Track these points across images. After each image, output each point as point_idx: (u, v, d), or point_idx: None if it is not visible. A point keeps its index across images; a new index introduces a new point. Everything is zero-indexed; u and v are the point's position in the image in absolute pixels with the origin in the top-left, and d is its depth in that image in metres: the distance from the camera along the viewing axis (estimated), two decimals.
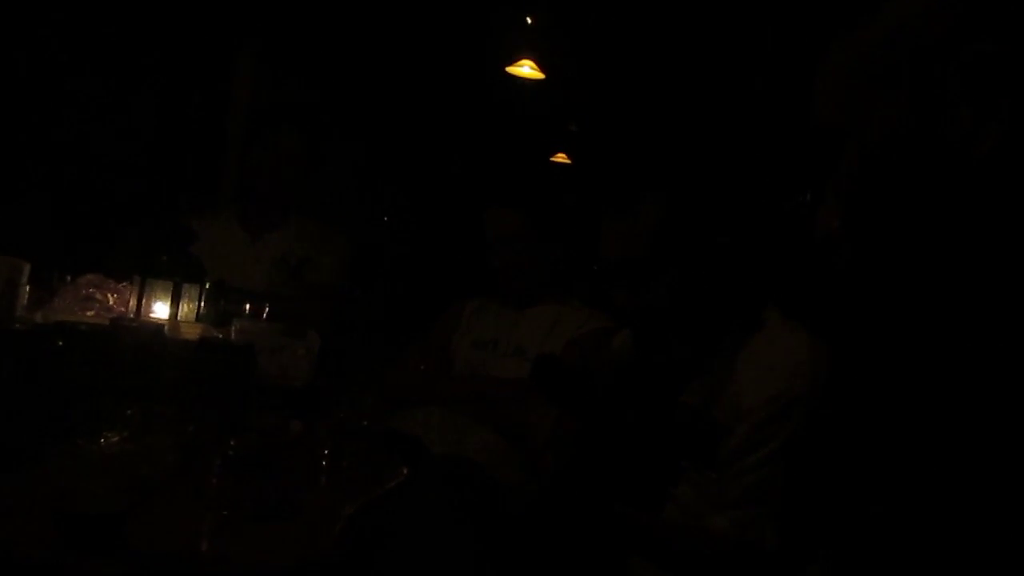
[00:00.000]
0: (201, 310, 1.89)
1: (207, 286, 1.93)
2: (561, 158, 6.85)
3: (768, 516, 1.38)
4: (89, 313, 1.78)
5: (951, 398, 1.03)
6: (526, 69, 4.53)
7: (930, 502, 1.08)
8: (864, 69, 0.97)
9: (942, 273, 1.00)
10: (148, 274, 1.84)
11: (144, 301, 1.83)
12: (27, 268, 1.73)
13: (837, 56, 1.02)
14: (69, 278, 1.83)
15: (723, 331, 1.49)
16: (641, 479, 1.51)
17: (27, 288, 1.73)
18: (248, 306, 1.98)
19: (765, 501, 1.38)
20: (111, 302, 1.83)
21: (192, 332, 1.71)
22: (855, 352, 1.20)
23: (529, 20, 4.36)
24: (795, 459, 1.38)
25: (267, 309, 2.00)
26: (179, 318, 1.83)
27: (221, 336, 1.76)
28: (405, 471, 1.48)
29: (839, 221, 1.06)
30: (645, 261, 1.46)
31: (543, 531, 1.53)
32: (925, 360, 1.07)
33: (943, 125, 0.91)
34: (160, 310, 1.83)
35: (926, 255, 1.00)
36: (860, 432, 1.20)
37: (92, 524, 0.94)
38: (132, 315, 1.79)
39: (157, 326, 1.67)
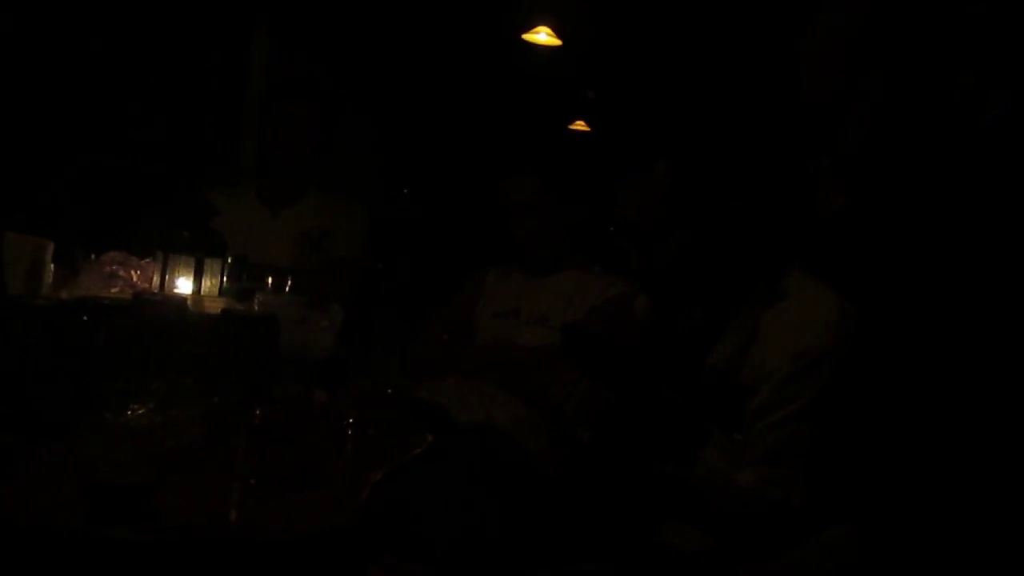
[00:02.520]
0: (223, 285, 1.90)
1: (229, 261, 1.94)
2: (580, 125, 6.80)
3: (794, 474, 1.37)
4: (113, 290, 1.79)
5: (974, 367, 1.02)
6: (543, 36, 4.49)
7: (955, 469, 1.07)
8: (855, 40, 0.95)
9: (955, 240, 0.98)
10: (170, 250, 1.85)
11: (167, 277, 1.84)
12: (51, 247, 1.74)
13: (824, 29, 0.99)
14: (93, 256, 1.84)
15: (743, 292, 1.48)
16: (670, 443, 1.50)
17: (52, 267, 1.75)
18: (270, 280, 1.99)
19: (791, 458, 1.38)
20: (135, 279, 1.84)
21: (215, 306, 1.71)
22: (879, 315, 1.19)
23: None
24: (823, 417, 1.37)
25: (289, 283, 2.00)
26: (202, 293, 1.84)
27: (243, 309, 1.77)
28: (430, 439, 1.49)
29: (845, 198, 1.04)
30: (657, 223, 1.46)
31: (574, 495, 1.54)
32: (948, 329, 1.05)
33: (945, 89, 0.88)
34: (183, 285, 1.84)
35: (937, 222, 0.98)
36: (886, 395, 1.19)
37: (120, 494, 0.95)
38: (155, 291, 1.80)
39: (181, 300, 1.68)
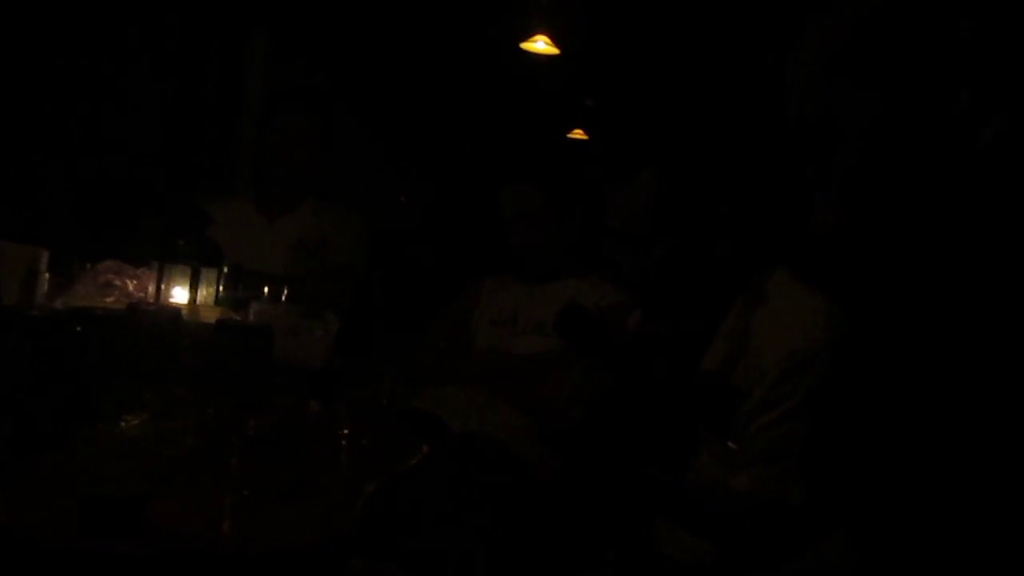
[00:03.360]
0: (219, 294, 1.90)
1: (225, 270, 1.94)
2: (578, 134, 6.81)
3: (790, 473, 1.37)
4: (109, 299, 1.79)
5: (968, 368, 1.01)
6: (540, 45, 4.49)
7: (950, 466, 1.07)
8: (842, 57, 0.94)
9: (951, 251, 0.98)
10: (166, 259, 1.85)
11: (163, 286, 1.83)
12: (46, 256, 1.74)
13: (809, 46, 0.98)
14: (88, 265, 1.84)
15: (730, 297, 1.48)
16: (662, 447, 1.50)
17: (47, 276, 1.74)
18: (266, 289, 1.98)
19: (786, 458, 1.37)
20: (130, 288, 1.84)
21: (210, 316, 1.71)
22: (870, 314, 1.18)
23: None
24: (817, 415, 1.37)
25: (285, 292, 2.00)
26: (198, 302, 1.84)
27: (239, 319, 1.77)
28: (426, 449, 1.48)
29: (840, 219, 1.04)
30: (644, 231, 1.47)
31: (568, 499, 1.54)
32: (943, 330, 1.05)
33: (941, 106, 0.88)
34: (179, 295, 1.83)
35: (933, 237, 0.98)
36: (878, 393, 1.18)
37: (113, 507, 0.95)
38: (151, 300, 1.80)
39: (175, 310, 1.67)
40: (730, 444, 1.45)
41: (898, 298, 1.10)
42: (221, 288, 1.91)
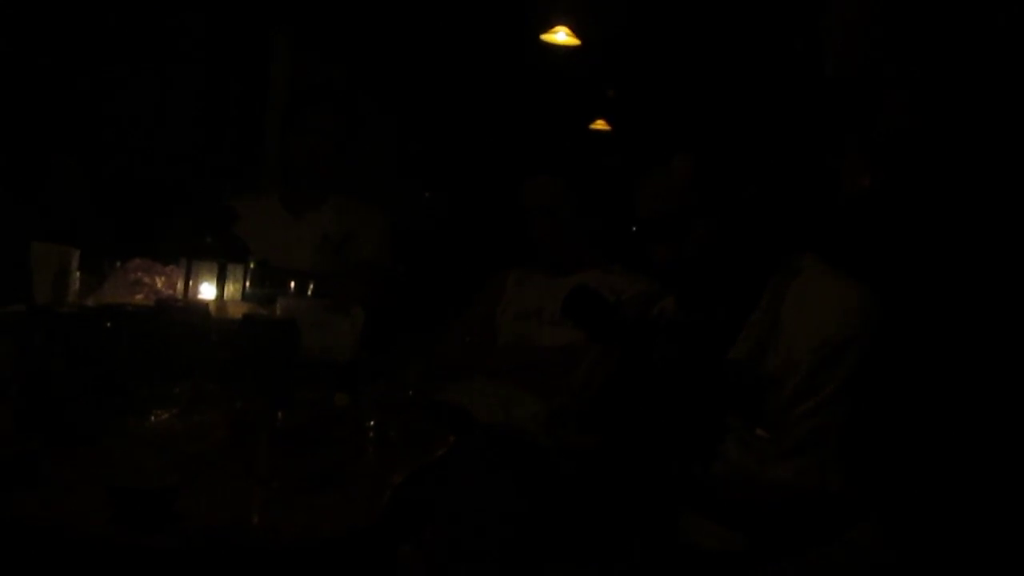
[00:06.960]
0: (246, 290, 1.92)
1: (251, 266, 1.96)
2: (600, 125, 6.78)
3: (829, 462, 1.36)
4: (138, 297, 1.81)
5: (1002, 353, 1.00)
6: (561, 36, 4.48)
7: (983, 454, 1.05)
8: (881, 13, 0.92)
9: (994, 224, 0.96)
10: (194, 256, 1.87)
11: (191, 283, 1.86)
12: (77, 255, 1.77)
13: (846, 3, 0.97)
14: (118, 264, 1.87)
15: (762, 283, 1.47)
16: (689, 436, 1.49)
17: (78, 275, 1.77)
18: (292, 284, 2.00)
19: (824, 447, 1.36)
20: (159, 285, 1.86)
21: (238, 311, 1.73)
22: (906, 299, 1.17)
23: None
24: (854, 403, 1.36)
25: (311, 287, 2.01)
26: (225, 298, 1.86)
27: (266, 313, 1.78)
28: (452, 440, 1.49)
29: (870, 179, 1.02)
30: (677, 216, 1.45)
31: (593, 489, 1.53)
32: (979, 314, 1.03)
33: (996, 59, 0.86)
34: (207, 291, 1.86)
35: (977, 206, 0.96)
36: (916, 381, 1.17)
37: (144, 499, 0.96)
38: (179, 297, 1.82)
39: (203, 306, 1.69)
40: (759, 431, 1.44)
41: (932, 281, 1.08)
42: (248, 284, 1.93)
